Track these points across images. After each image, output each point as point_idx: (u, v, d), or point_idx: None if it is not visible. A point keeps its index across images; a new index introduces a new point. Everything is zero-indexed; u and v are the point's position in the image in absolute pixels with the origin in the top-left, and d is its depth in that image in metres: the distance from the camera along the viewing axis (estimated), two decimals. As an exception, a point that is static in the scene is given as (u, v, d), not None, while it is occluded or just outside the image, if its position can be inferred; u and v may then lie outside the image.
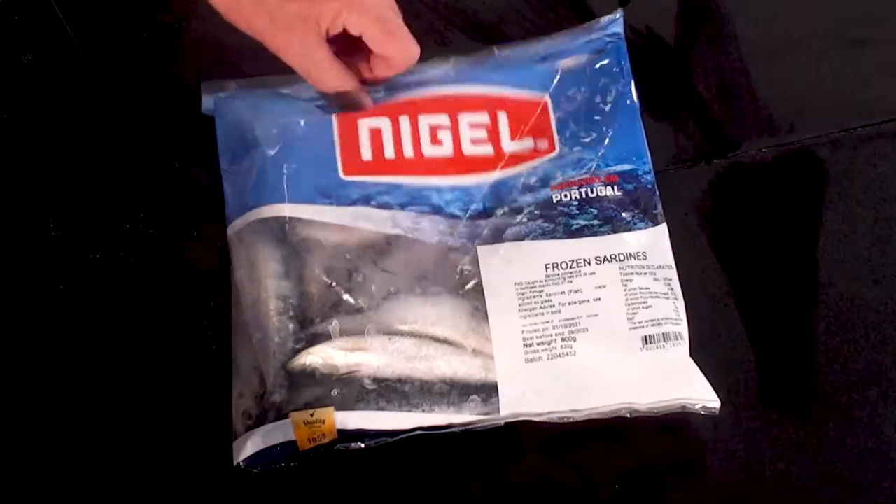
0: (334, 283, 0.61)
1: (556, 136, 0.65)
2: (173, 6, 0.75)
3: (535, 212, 0.63)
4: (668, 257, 0.63)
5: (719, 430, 0.63)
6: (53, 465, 0.62)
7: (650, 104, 0.72)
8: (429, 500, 0.61)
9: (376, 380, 0.59)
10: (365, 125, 0.63)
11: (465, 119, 0.64)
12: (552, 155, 0.65)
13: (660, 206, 0.64)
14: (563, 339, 0.60)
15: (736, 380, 0.64)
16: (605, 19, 0.69)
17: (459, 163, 0.64)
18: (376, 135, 0.63)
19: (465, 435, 0.60)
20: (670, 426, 0.62)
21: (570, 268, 0.61)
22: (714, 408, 0.60)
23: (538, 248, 0.62)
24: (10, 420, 0.63)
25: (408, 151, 0.63)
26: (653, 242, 0.63)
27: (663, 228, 0.64)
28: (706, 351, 0.62)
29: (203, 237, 0.68)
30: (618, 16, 0.69)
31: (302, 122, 0.64)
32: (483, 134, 0.64)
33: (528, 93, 0.66)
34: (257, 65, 0.70)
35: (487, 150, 0.64)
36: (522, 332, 0.60)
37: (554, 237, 0.62)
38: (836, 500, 0.61)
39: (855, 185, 0.70)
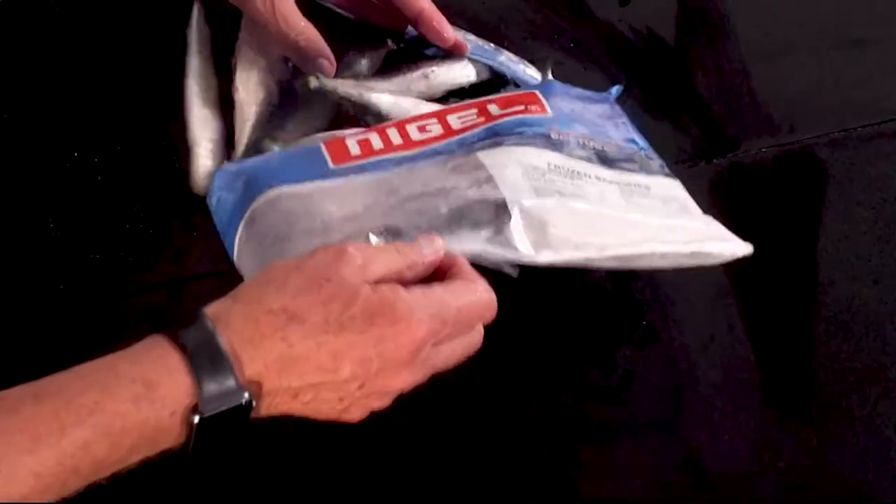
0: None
1: (547, 107, 0.64)
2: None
3: (534, 137, 0.61)
4: (678, 193, 0.62)
5: (719, 430, 0.63)
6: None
7: (650, 104, 0.72)
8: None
9: None
10: (353, 139, 0.62)
11: (454, 116, 0.63)
12: (547, 114, 0.63)
13: (667, 169, 0.63)
14: (572, 191, 0.57)
15: (736, 380, 0.64)
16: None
17: (449, 133, 0.62)
18: (364, 141, 0.62)
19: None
20: (670, 426, 0.62)
21: (571, 174, 0.59)
22: (745, 254, 0.58)
23: (539, 153, 0.60)
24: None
25: (396, 140, 0.62)
26: (655, 182, 0.62)
27: (677, 182, 0.62)
28: (706, 351, 0.62)
29: (203, 238, 0.68)
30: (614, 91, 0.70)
31: (285, 146, 0.65)
32: (473, 115, 0.63)
33: (518, 90, 0.66)
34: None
35: (479, 120, 0.63)
36: (531, 186, 0.57)
37: (555, 150, 0.60)
38: (836, 500, 0.61)
39: (855, 185, 0.70)
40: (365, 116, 0.68)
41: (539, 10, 0.77)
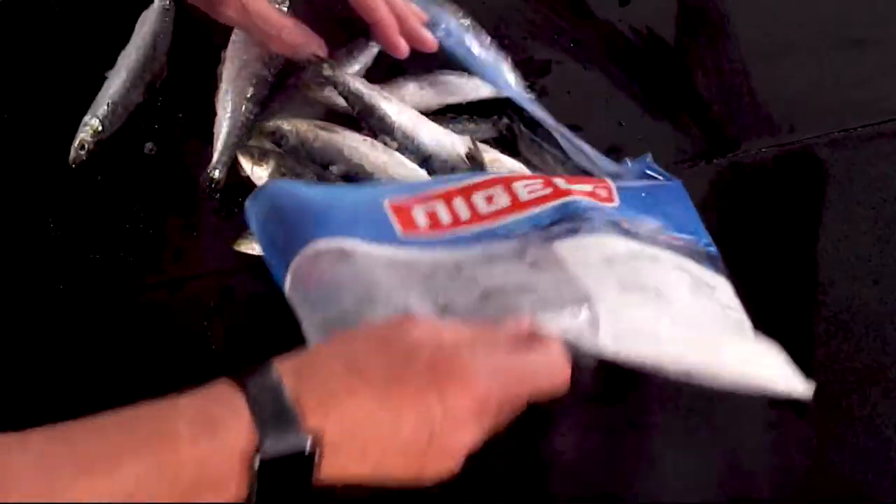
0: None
1: (615, 195, 0.63)
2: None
3: (607, 224, 0.60)
4: (735, 303, 0.61)
5: (720, 431, 0.63)
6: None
7: (650, 104, 0.72)
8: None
9: None
10: (420, 209, 0.59)
11: (519, 184, 0.61)
12: (614, 204, 0.62)
13: (725, 269, 0.62)
14: (656, 292, 0.56)
15: (736, 380, 0.64)
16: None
17: (518, 206, 0.60)
18: (431, 212, 0.60)
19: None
20: (670, 426, 0.62)
21: (650, 260, 0.59)
22: (806, 397, 0.55)
23: (616, 240, 0.59)
24: (10, 420, 0.63)
25: (464, 215, 0.60)
26: (720, 284, 0.61)
27: (728, 284, 0.62)
28: (706, 351, 0.62)
29: (203, 237, 0.68)
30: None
31: (349, 198, 0.60)
32: (539, 185, 0.61)
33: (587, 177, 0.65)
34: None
35: (546, 191, 0.61)
36: (616, 274, 0.55)
37: (629, 238, 0.59)
38: (836, 500, 0.61)
39: (855, 185, 0.70)
40: (368, 119, 0.68)
41: (539, 10, 0.77)
